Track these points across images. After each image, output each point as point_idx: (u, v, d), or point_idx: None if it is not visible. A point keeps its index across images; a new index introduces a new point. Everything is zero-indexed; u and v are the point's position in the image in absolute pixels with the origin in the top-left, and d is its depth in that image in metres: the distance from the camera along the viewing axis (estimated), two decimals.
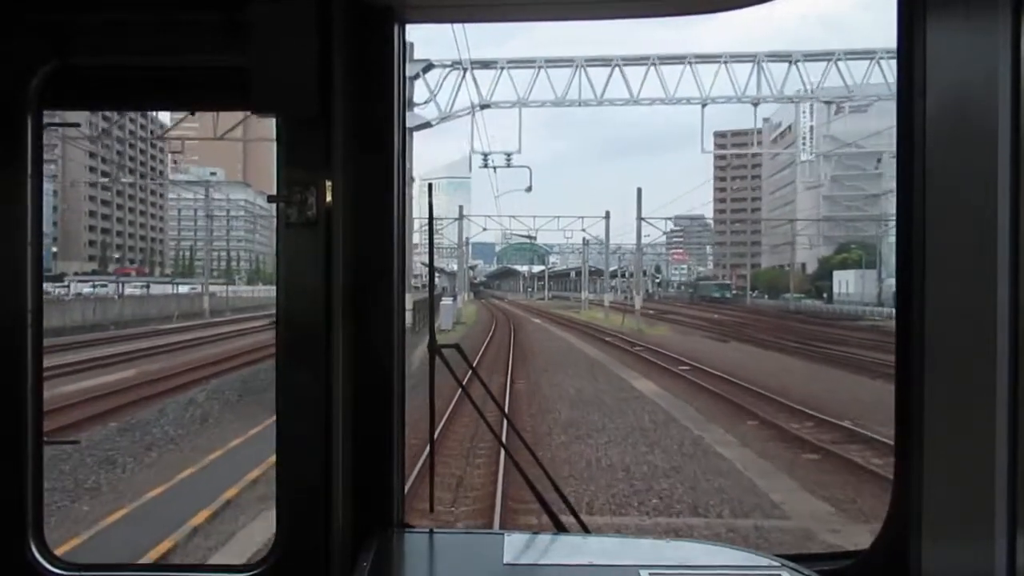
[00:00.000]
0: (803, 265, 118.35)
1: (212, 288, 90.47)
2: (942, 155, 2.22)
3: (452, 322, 50.07)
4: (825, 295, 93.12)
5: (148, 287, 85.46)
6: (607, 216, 63.30)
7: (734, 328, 51.21)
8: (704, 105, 38.00)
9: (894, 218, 2.46)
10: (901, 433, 2.40)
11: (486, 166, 37.66)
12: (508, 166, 37.68)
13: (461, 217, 63.13)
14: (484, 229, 69.25)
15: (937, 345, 2.25)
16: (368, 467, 2.61)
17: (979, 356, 2.14)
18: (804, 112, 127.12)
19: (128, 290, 77.26)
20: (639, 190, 58.27)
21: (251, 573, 2.50)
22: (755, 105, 36.38)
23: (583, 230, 63.67)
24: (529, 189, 42.01)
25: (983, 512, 2.11)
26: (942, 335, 2.25)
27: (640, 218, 58.43)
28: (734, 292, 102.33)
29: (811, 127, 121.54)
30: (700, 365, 29.91)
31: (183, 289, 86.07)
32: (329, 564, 2.47)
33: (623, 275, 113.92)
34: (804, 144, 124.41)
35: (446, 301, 54.93)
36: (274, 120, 2.47)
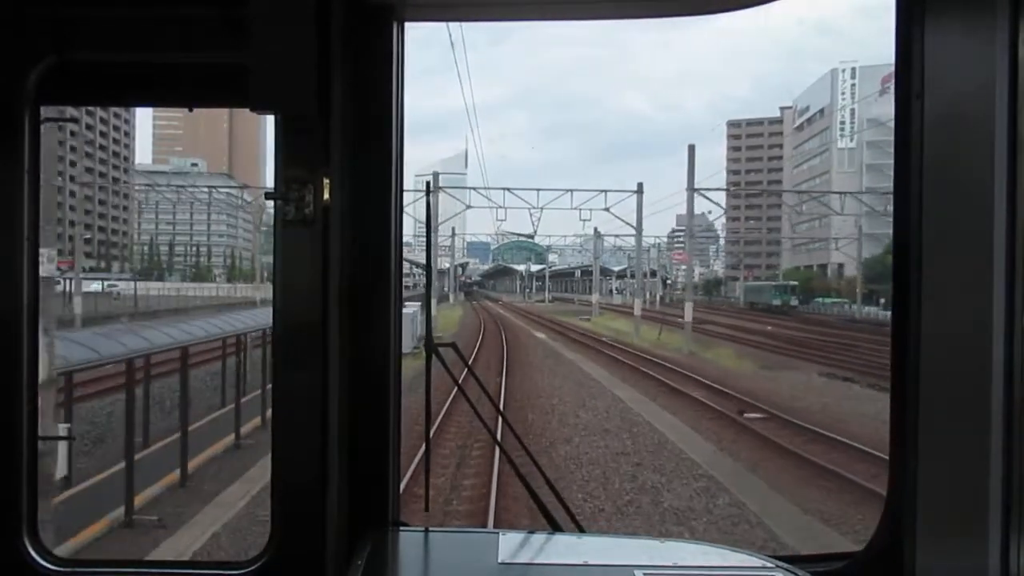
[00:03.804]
0: (840, 266, 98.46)
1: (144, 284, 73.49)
2: (940, 157, 2.17)
3: (412, 344, 29.89)
4: (883, 300, 71.83)
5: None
6: (639, 190, 42.94)
7: (850, 353, 30.76)
8: None
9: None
10: (896, 435, 2.29)
11: None
12: None
13: (437, 189, 42.52)
14: (468, 207, 48.36)
15: (933, 347, 2.19)
16: (364, 465, 2.52)
17: (974, 358, 2.11)
18: (843, 92, 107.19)
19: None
20: (691, 147, 37.94)
21: (247, 571, 2.36)
22: None
23: (607, 208, 43.19)
24: None
25: (977, 513, 2.10)
26: (938, 337, 2.18)
27: (692, 188, 37.85)
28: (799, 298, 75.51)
29: (852, 110, 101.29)
30: None
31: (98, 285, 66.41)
32: (324, 562, 2.35)
33: (633, 275, 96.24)
34: (843, 129, 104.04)
35: (410, 309, 33.72)
36: (271, 117, 2.33)
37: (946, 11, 2.14)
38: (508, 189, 43.70)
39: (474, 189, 46.71)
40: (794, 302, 68.65)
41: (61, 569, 2.40)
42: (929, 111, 2.15)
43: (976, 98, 2.09)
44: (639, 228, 42.99)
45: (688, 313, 38.02)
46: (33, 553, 2.39)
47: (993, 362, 2.07)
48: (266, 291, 74.33)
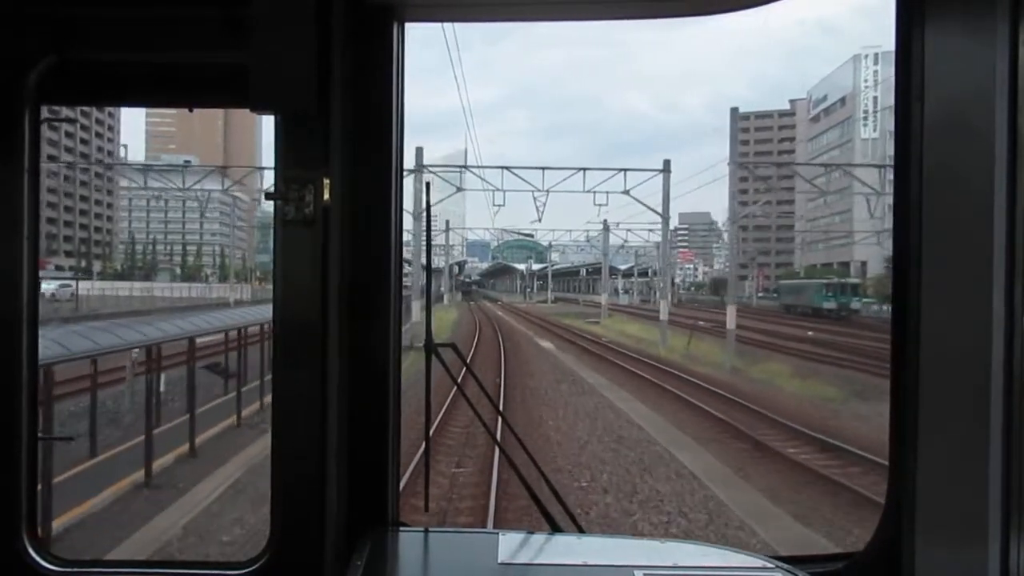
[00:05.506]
0: (863, 264, 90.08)
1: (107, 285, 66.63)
2: (940, 159, 2.16)
3: None
4: None
5: None
6: (666, 168, 34.65)
7: None
8: None
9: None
10: (896, 435, 2.27)
11: None
12: None
13: (421, 168, 34.19)
14: (459, 189, 39.97)
15: (933, 348, 2.17)
16: (363, 465, 2.50)
17: (974, 359, 2.10)
18: (866, 79, 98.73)
19: None
20: (734, 111, 29.77)
21: (246, 571, 2.35)
22: None
23: (626, 191, 34.86)
24: None
25: (977, 514, 2.09)
26: (938, 338, 2.17)
27: (736, 162, 29.59)
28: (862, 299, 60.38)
29: (875, 97, 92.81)
30: None
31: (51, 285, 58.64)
32: (323, 562, 2.33)
33: (642, 273, 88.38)
34: (865, 118, 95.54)
35: None
36: (272, 117, 2.31)
37: (946, 11, 2.13)
38: (507, 168, 35.33)
39: (467, 168, 38.37)
40: (856, 305, 55.26)
41: (61, 569, 2.38)
42: (929, 112, 2.13)
43: (976, 99, 2.07)
44: (665, 213, 34.66)
45: (731, 319, 29.76)
46: (33, 553, 2.37)
47: (993, 362, 2.06)
48: (241, 292, 66.63)
